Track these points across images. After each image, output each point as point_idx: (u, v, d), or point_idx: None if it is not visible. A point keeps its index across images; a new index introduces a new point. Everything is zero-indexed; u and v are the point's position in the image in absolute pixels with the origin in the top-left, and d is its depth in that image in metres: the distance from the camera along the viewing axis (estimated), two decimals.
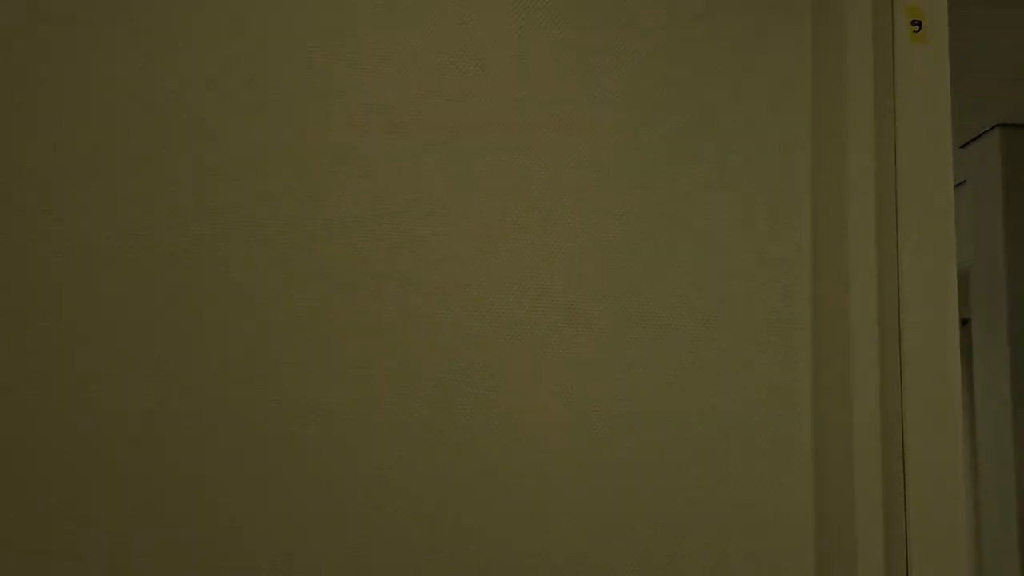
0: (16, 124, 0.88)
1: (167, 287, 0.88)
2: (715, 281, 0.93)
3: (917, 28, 1.07)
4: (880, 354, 0.95)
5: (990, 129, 3.78)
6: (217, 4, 0.93)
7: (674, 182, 0.94)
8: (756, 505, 0.90)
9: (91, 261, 0.87)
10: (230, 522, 0.85)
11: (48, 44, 0.89)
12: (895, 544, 0.90)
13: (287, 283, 0.90)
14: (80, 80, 0.91)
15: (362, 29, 0.96)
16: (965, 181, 4.17)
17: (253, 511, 0.86)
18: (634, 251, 0.93)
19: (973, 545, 5.41)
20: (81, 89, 0.91)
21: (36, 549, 0.82)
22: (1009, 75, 3.22)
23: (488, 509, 0.89)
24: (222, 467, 0.86)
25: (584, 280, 0.93)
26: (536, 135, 0.94)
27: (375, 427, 0.88)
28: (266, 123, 0.92)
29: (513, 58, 0.95)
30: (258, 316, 0.89)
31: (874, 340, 0.94)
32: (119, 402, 0.86)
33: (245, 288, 0.90)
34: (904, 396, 0.95)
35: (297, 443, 0.88)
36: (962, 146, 4.03)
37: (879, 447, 0.91)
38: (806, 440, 0.92)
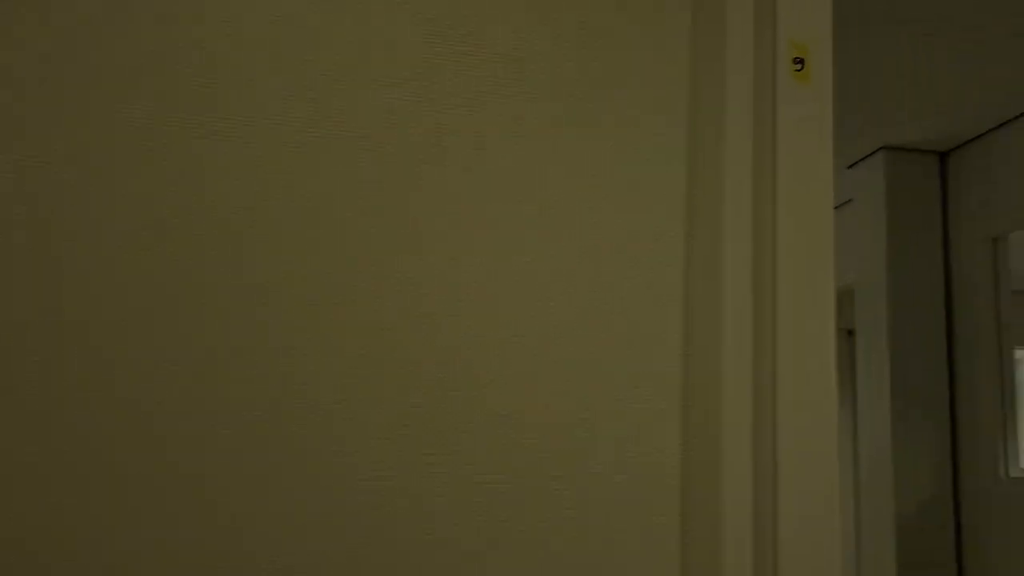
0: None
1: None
2: (590, 297, 0.95)
3: (799, 67, 0.99)
4: (753, 380, 0.94)
5: (876, 151, 4.03)
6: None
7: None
8: (624, 525, 0.92)
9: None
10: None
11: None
12: (763, 559, 0.91)
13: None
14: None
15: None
16: (851, 200, 4.43)
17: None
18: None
19: (853, 549, 5.65)
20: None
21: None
22: (894, 99, 3.44)
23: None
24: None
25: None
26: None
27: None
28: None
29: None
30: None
31: (747, 361, 0.94)
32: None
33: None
34: (777, 425, 0.92)
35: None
36: (849, 166, 4.28)
37: (750, 476, 0.92)
38: (675, 454, 0.94)
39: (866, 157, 4.21)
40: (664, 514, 0.91)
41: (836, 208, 5.02)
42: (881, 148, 4.09)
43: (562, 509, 0.91)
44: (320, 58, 0.94)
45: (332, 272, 0.90)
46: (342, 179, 0.92)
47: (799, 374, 0.92)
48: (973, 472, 3.68)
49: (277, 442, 0.86)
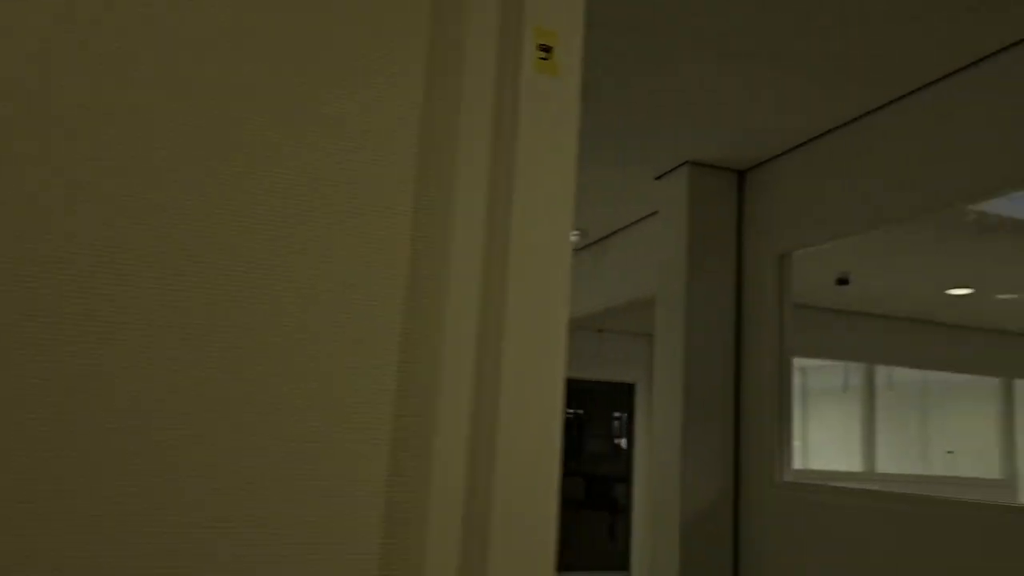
0: None
1: None
2: (303, 313, 0.83)
3: (546, 55, 0.89)
4: (475, 393, 0.85)
5: (681, 164, 4.17)
6: None
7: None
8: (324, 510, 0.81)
9: None
10: None
11: None
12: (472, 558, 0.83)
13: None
14: None
15: None
16: (657, 212, 4.57)
17: None
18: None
19: (647, 543, 5.82)
20: None
21: None
22: (699, 116, 3.56)
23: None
24: None
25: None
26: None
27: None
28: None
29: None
30: None
31: (469, 365, 0.85)
32: None
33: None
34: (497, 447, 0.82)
35: None
36: (656, 178, 4.41)
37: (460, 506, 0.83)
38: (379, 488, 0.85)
39: (672, 170, 4.34)
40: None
41: (644, 219, 5.18)
42: (686, 162, 4.22)
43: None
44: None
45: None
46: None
47: (525, 373, 0.84)
48: (752, 476, 3.87)
49: None
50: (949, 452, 7.80)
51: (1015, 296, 6.26)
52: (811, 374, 8.48)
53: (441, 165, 0.87)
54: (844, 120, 3.52)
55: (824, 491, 3.45)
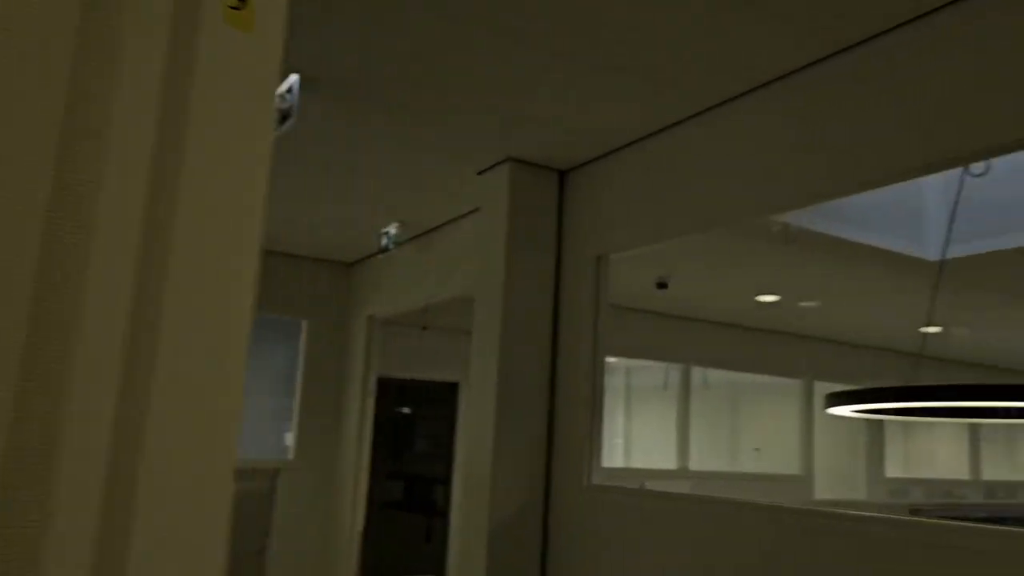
0: None
1: None
2: None
3: (238, 5, 0.73)
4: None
5: (503, 161, 4.08)
6: None
7: None
8: None
9: None
10: None
11: None
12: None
13: None
14: None
15: None
16: (479, 208, 4.47)
17: None
18: None
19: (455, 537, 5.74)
20: None
21: None
22: (519, 114, 3.48)
23: None
24: None
25: None
26: None
27: None
28: None
29: None
30: None
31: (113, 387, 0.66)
32: None
33: None
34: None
35: None
36: (478, 173, 4.31)
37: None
38: None
39: (494, 166, 4.24)
40: None
41: (468, 214, 5.07)
42: (508, 159, 4.13)
43: None
44: None
45: None
46: None
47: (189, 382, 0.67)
48: (562, 479, 3.83)
49: None
50: (756, 449, 8.20)
51: (815, 304, 6.63)
52: (635, 373, 8.68)
53: (92, 134, 0.68)
54: (659, 127, 3.53)
55: (627, 494, 3.45)
